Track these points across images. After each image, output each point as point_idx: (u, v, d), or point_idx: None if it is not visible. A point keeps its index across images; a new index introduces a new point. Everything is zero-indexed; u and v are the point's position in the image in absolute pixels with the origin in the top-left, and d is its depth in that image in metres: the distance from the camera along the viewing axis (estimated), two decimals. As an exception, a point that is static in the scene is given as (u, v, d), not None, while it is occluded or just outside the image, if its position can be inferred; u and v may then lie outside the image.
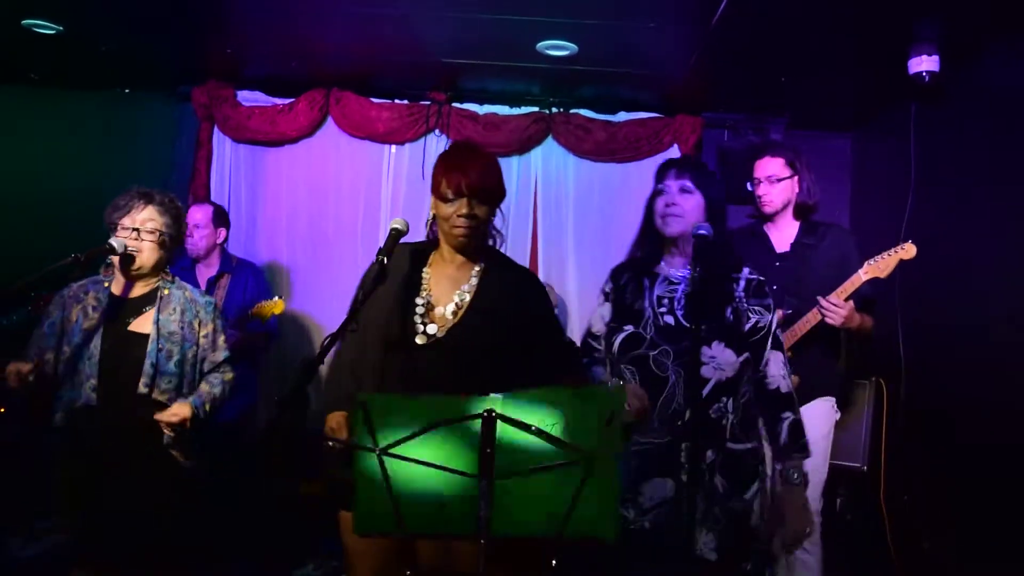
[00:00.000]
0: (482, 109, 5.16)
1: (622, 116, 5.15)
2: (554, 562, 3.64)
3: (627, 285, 2.56)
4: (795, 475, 2.39)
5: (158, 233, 2.70)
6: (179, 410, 2.59)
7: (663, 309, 2.45)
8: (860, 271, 3.07)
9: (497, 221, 2.41)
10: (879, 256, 3.08)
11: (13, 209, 5.07)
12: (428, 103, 5.11)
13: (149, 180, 2.89)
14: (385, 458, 1.66)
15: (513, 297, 2.34)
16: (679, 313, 2.43)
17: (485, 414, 1.59)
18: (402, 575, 2.24)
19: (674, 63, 4.36)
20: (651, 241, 2.58)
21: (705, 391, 2.37)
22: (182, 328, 2.70)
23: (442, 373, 2.23)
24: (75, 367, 2.60)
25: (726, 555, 2.34)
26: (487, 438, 1.61)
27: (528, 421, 1.65)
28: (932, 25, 3.65)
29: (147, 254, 2.69)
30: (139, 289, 2.74)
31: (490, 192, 2.30)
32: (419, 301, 2.31)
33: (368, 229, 5.18)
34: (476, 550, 1.96)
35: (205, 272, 4.26)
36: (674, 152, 5.12)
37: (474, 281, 2.34)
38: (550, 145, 5.19)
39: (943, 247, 4.00)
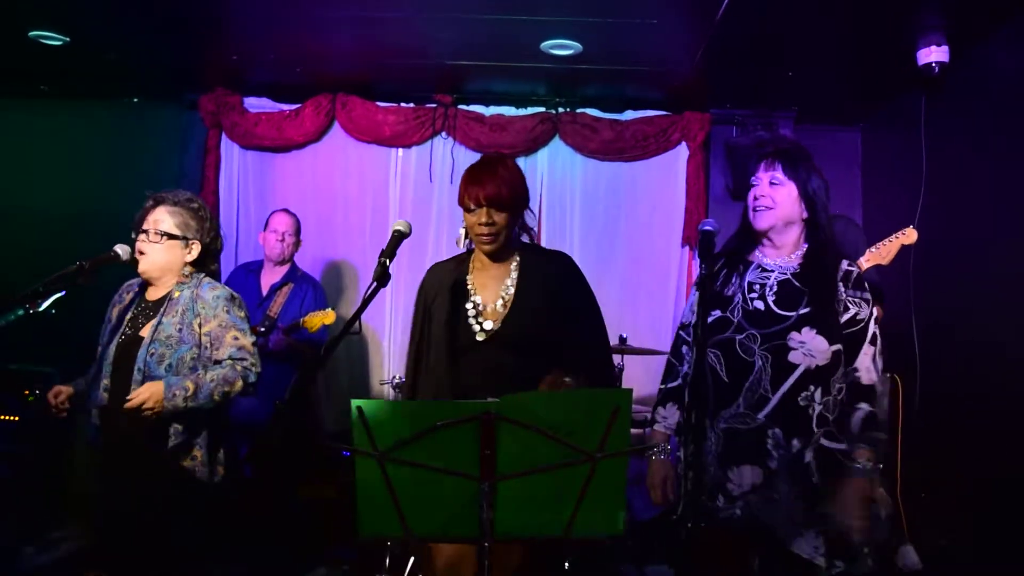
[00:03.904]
0: (488, 111, 5.15)
1: (629, 115, 5.13)
2: (567, 564, 3.64)
3: (719, 273, 2.51)
4: (859, 464, 2.29)
5: (164, 234, 2.68)
6: (143, 390, 2.48)
7: (753, 295, 2.42)
8: (862, 258, 3.04)
9: (529, 218, 2.59)
10: (880, 243, 3.04)
11: (25, 218, 5.12)
12: (434, 106, 5.11)
13: (158, 188, 2.90)
14: (386, 462, 1.65)
15: (555, 282, 2.51)
16: (770, 299, 2.39)
17: (483, 415, 1.57)
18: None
19: (680, 60, 4.33)
20: (746, 233, 2.55)
21: (792, 378, 2.33)
22: (180, 331, 2.64)
23: (505, 362, 2.41)
24: (100, 367, 2.64)
25: (832, 561, 2.26)
26: (487, 440, 1.60)
27: (531, 421, 1.63)
28: (938, 14, 3.62)
29: (153, 255, 2.68)
30: (158, 292, 2.73)
31: (506, 201, 2.42)
32: (469, 305, 2.49)
33: (376, 232, 5.18)
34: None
35: (269, 278, 4.36)
36: (682, 150, 5.10)
37: (514, 275, 2.51)
38: (557, 145, 5.18)
39: (957, 239, 3.95)
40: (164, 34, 4.28)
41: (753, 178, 2.50)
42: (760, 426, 2.32)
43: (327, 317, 4.03)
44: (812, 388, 2.33)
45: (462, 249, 2.64)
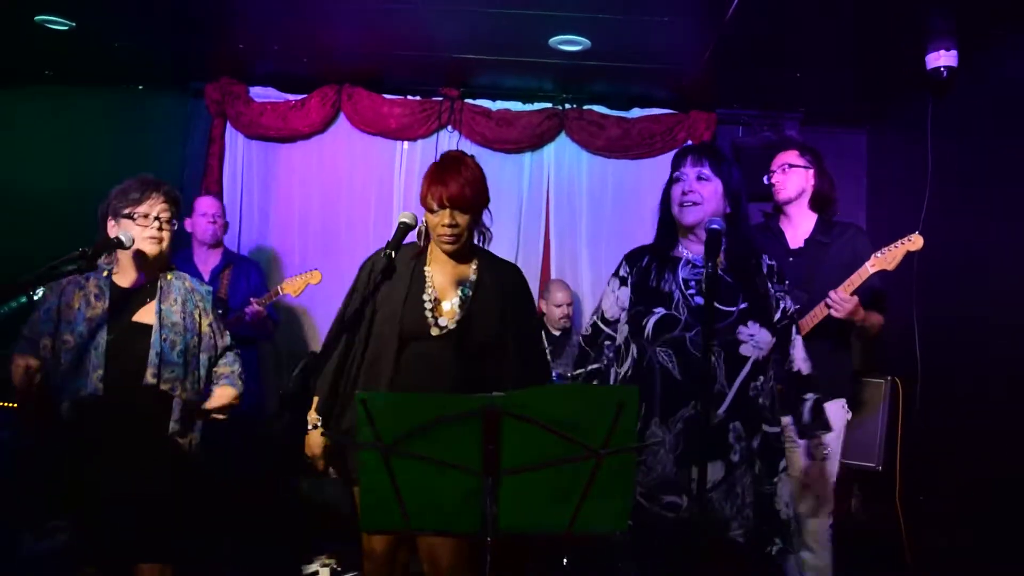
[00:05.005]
0: (495, 105, 5.13)
1: (636, 112, 5.12)
2: (565, 560, 3.63)
3: (649, 268, 2.55)
4: (821, 450, 2.54)
5: (172, 222, 2.70)
6: (224, 393, 2.73)
7: (692, 291, 2.44)
8: (867, 263, 3.03)
9: (486, 219, 2.58)
10: (886, 248, 3.03)
11: (27, 205, 5.08)
12: (440, 99, 5.10)
13: (162, 176, 2.87)
14: (390, 455, 1.64)
15: (508, 292, 2.56)
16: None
17: (487, 410, 1.56)
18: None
19: (688, 58, 4.32)
20: (668, 228, 2.58)
21: (744, 370, 2.38)
22: (184, 318, 2.68)
23: (454, 361, 2.43)
24: (80, 357, 2.57)
25: (752, 538, 2.34)
26: (491, 434, 1.59)
27: (535, 416, 1.62)
28: (945, 18, 3.60)
29: (164, 243, 2.69)
30: (139, 279, 2.72)
31: (469, 202, 2.44)
32: (426, 297, 2.47)
33: (380, 225, 5.16)
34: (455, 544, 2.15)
35: (206, 263, 4.37)
36: (688, 149, 5.08)
37: (473, 278, 2.53)
38: (563, 141, 5.17)
39: (961, 243, 3.95)
40: (170, 22, 4.25)
41: (678, 172, 2.52)
42: (721, 421, 2.36)
43: (312, 277, 4.11)
44: (760, 379, 2.42)
45: (421, 244, 2.60)
